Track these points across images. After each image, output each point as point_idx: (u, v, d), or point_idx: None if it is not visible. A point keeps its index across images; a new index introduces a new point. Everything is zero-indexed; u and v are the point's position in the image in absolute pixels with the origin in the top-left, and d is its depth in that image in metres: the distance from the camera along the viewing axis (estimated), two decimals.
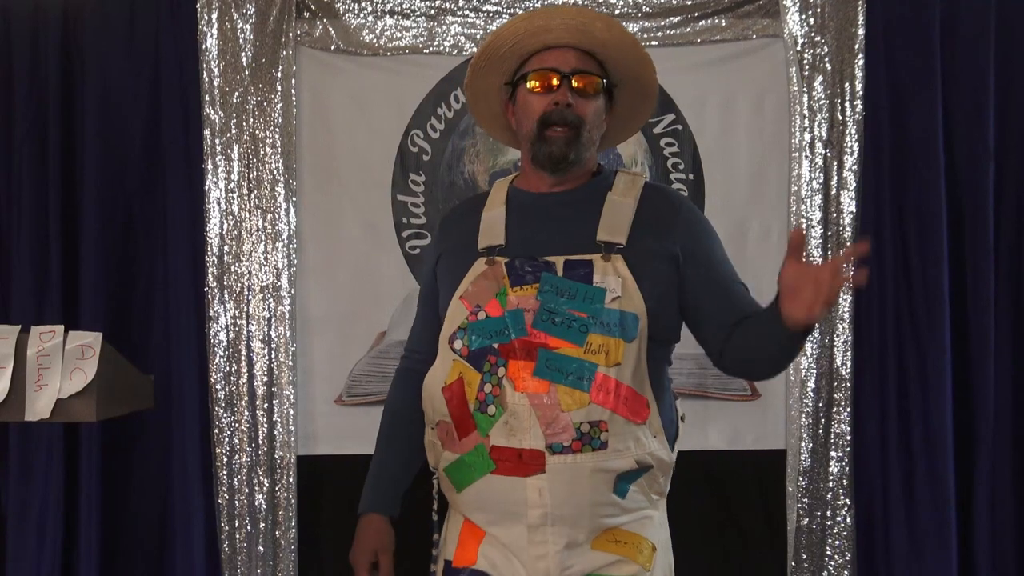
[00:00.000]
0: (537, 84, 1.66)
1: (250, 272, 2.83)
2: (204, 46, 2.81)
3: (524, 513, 1.58)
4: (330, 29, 2.86)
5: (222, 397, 2.81)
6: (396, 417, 1.81)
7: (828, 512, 2.87)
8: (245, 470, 2.81)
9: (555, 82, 1.65)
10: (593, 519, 1.60)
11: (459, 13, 2.88)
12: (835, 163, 2.87)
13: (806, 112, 2.88)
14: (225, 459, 2.81)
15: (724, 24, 2.90)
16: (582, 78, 1.66)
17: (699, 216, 1.80)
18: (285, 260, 2.83)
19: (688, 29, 2.89)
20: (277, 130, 2.83)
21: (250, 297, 2.82)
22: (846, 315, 2.87)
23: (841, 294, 2.85)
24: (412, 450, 1.78)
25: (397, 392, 1.83)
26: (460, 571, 1.64)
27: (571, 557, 1.60)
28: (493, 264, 1.64)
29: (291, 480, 2.81)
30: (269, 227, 2.83)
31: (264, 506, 2.81)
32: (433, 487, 1.75)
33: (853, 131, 2.87)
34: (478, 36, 2.88)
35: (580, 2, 2.88)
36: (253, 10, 2.83)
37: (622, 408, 1.59)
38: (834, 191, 2.88)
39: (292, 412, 2.81)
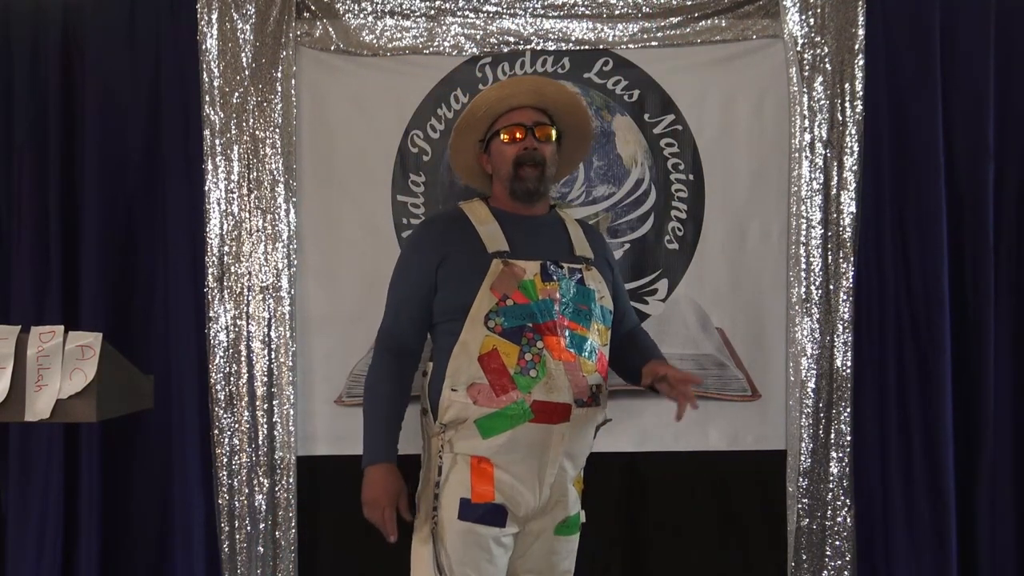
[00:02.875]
0: (508, 136, 2.18)
1: (250, 272, 2.83)
2: (204, 46, 2.81)
3: (547, 451, 2.06)
4: (330, 29, 2.86)
5: (222, 397, 2.81)
6: (399, 386, 2.16)
7: (828, 512, 2.87)
8: (245, 471, 2.81)
9: (519, 135, 2.18)
10: (581, 458, 2.16)
11: (459, 13, 2.88)
12: (835, 163, 2.87)
13: (806, 112, 2.88)
14: (225, 459, 2.81)
15: (724, 24, 2.90)
16: (541, 129, 2.19)
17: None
18: (285, 260, 2.83)
19: (688, 29, 2.89)
20: (277, 130, 2.83)
21: (250, 297, 2.82)
22: (846, 315, 2.87)
23: (841, 294, 2.86)
24: (403, 413, 2.17)
25: (394, 368, 2.17)
26: (480, 506, 2.04)
27: (565, 486, 2.13)
28: (508, 264, 2.08)
29: (291, 481, 2.81)
30: (269, 227, 2.83)
31: (264, 507, 2.81)
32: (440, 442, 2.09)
33: (853, 131, 2.86)
34: (478, 36, 2.88)
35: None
36: (253, 10, 2.83)
37: (606, 376, 2.18)
38: (834, 191, 2.88)
39: (292, 412, 2.81)
